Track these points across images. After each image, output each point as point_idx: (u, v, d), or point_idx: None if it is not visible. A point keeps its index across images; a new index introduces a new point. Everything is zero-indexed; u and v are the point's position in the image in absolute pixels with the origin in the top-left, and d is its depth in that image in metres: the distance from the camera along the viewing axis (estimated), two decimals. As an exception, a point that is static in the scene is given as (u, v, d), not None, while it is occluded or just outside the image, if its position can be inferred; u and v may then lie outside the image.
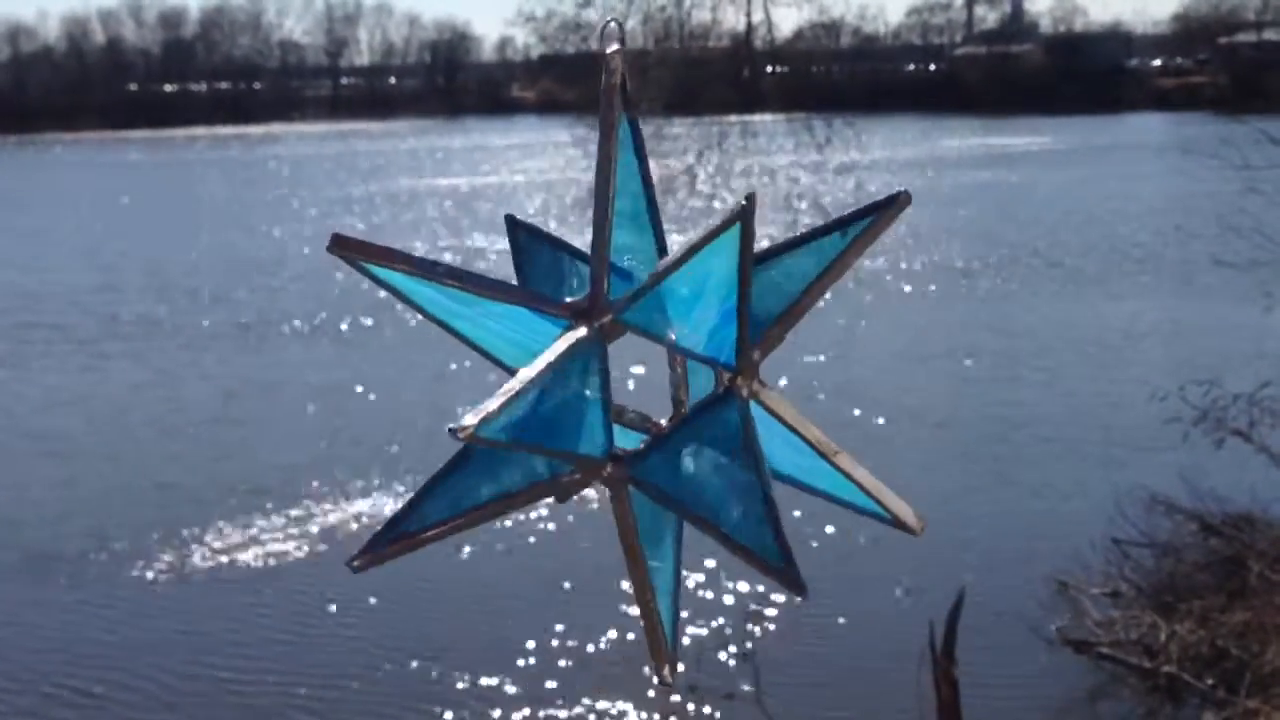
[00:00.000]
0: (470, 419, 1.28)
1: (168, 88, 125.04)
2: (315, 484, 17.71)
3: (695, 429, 1.45)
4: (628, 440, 1.50)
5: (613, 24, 1.49)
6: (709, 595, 13.66)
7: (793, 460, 1.50)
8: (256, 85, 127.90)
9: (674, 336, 1.44)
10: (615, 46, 1.48)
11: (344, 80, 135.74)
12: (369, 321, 28.58)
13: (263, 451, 19.59)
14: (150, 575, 15.05)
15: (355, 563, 1.42)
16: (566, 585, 14.35)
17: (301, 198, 56.26)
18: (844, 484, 1.54)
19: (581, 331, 1.42)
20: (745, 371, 1.42)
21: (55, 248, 42.63)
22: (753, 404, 1.44)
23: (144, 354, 26.55)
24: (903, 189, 1.45)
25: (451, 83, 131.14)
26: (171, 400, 22.75)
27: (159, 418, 21.63)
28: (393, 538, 1.43)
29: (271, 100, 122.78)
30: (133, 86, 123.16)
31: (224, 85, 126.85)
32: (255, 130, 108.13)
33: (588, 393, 1.42)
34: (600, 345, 1.43)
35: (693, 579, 13.63)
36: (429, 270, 1.43)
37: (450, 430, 1.27)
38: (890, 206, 1.44)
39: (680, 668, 1.53)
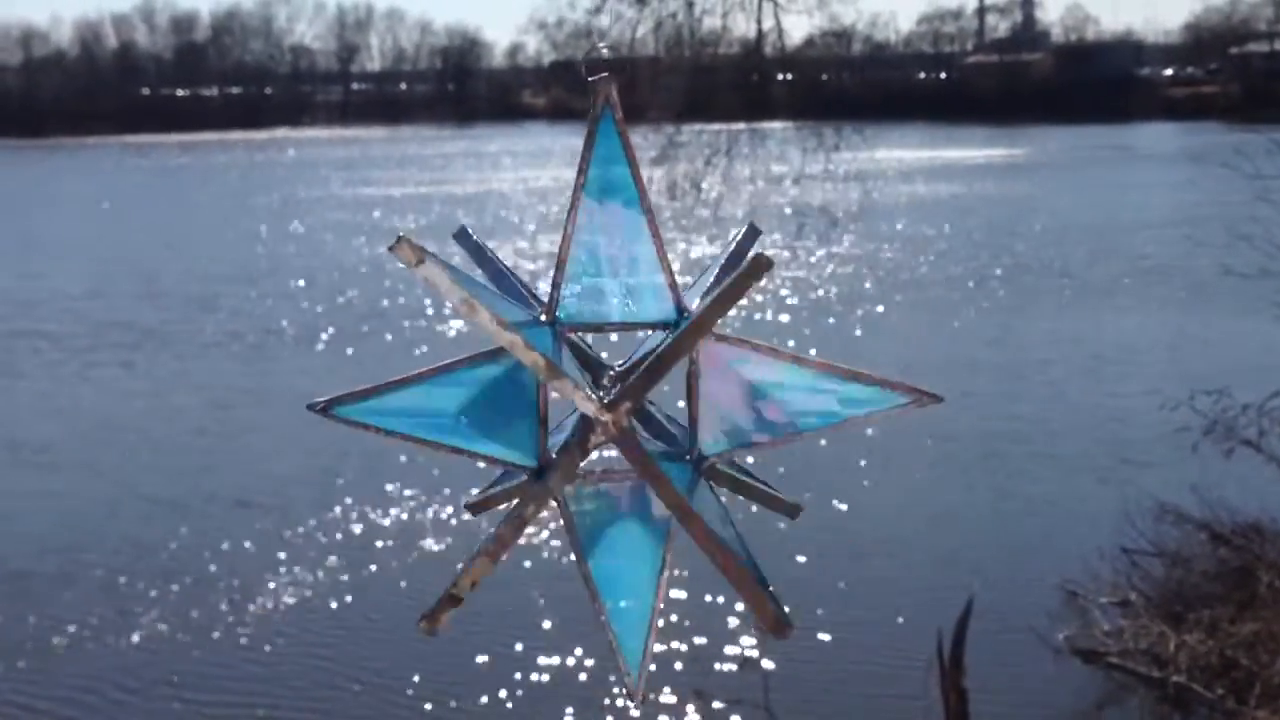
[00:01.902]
0: (325, 396, 1.38)
1: (179, 92, 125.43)
2: (304, 496, 17.55)
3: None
4: None
5: (603, 49, 1.52)
6: (716, 604, 13.64)
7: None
8: (268, 90, 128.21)
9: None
10: (604, 74, 1.52)
11: (355, 86, 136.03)
12: (364, 329, 28.44)
13: (252, 463, 19.40)
14: (133, 590, 14.89)
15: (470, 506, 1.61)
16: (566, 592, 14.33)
17: (307, 204, 56.27)
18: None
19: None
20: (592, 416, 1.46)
21: (55, 253, 42.45)
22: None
23: (136, 363, 26.35)
24: (761, 253, 1.48)
25: (462, 89, 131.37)
26: (160, 410, 22.53)
27: (147, 428, 21.41)
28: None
29: (282, 105, 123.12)
30: (144, 91, 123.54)
31: (235, 90, 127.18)
32: (266, 135, 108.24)
33: (512, 399, 1.50)
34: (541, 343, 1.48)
35: (699, 588, 13.61)
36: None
37: (307, 405, 1.36)
38: (749, 271, 1.46)
39: (645, 692, 1.56)
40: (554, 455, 1.51)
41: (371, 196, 58.64)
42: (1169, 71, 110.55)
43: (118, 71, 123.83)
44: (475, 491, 1.65)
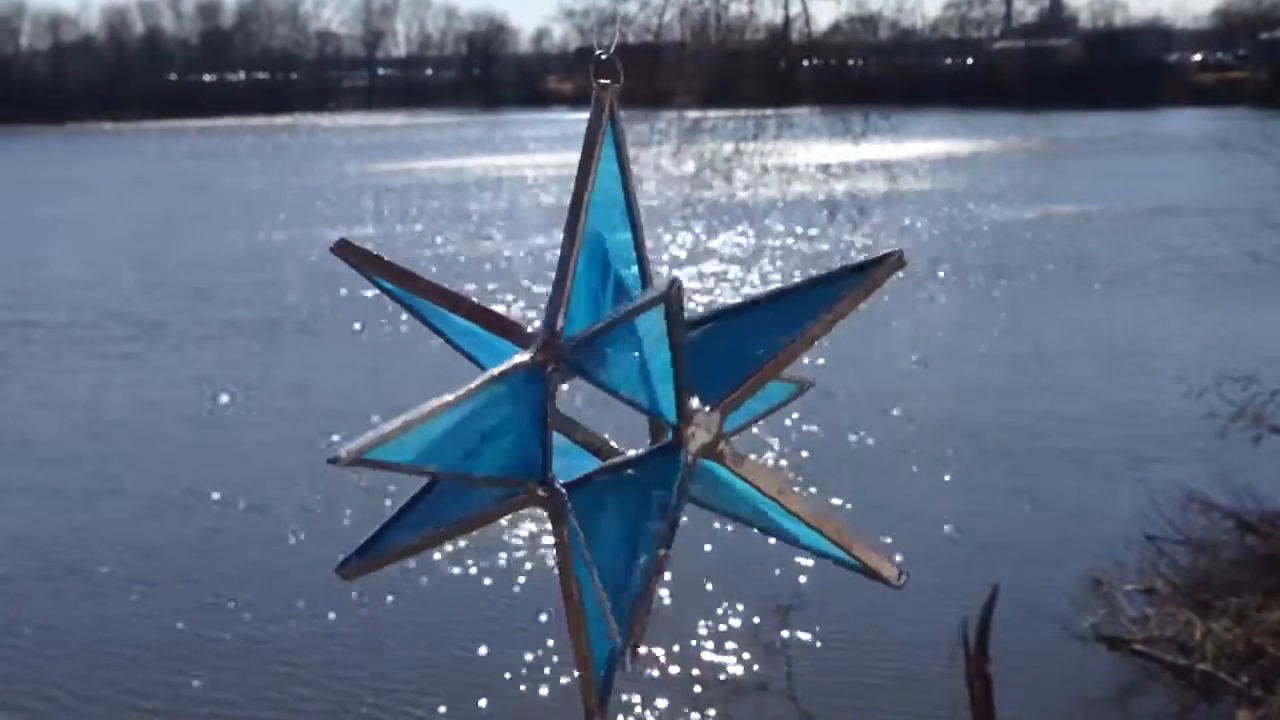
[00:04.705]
0: (348, 447, 1.35)
1: (206, 78, 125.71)
2: (304, 490, 17.33)
3: (631, 474, 1.49)
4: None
5: (604, 55, 1.52)
6: (741, 591, 13.65)
7: (778, 518, 1.52)
8: (293, 76, 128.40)
9: (617, 385, 1.47)
10: (606, 81, 1.51)
11: (380, 71, 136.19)
12: (370, 320, 28.01)
13: (250, 457, 19.11)
14: (126, 585, 14.80)
15: (343, 571, 1.51)
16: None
17: (322, 191, 56.03)
18: (824, 542, 1.55)
19: (519, 360, 1.47)
20: (685, 428, 1.44)
21: (64, 241, 41.94)
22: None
23: (135, 354, 26.03)
24: (896, 248, 1.44)
25: (488, 75, 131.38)
26: (158, 403, 22.20)
27: (143, 421, 21.16)
28: (377, 552, 1.52)
29: (308, 91, 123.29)
30: (171, 77, 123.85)
31: (261, 75, 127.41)
32: (291, 121, 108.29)
33: (522, 420, 1.47)
34: (541, 375, 1.47)
35: (723, 575, 13.63)
36: (409, 281, 1.53)
37: (328, 460, 1.35)
38: (880, 266, 1.43)
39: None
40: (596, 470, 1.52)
41: (389, 183, 58.56)
42: (1198, 57, 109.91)
43: (145, 57, 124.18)
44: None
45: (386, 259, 1.52)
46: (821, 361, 20.72)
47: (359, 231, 42.26)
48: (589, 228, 1.53)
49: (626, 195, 1.55)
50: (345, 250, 1.51)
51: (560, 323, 1.50)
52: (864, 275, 1.43)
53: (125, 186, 59.12)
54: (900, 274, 1.44)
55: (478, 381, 1.45)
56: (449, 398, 1.42)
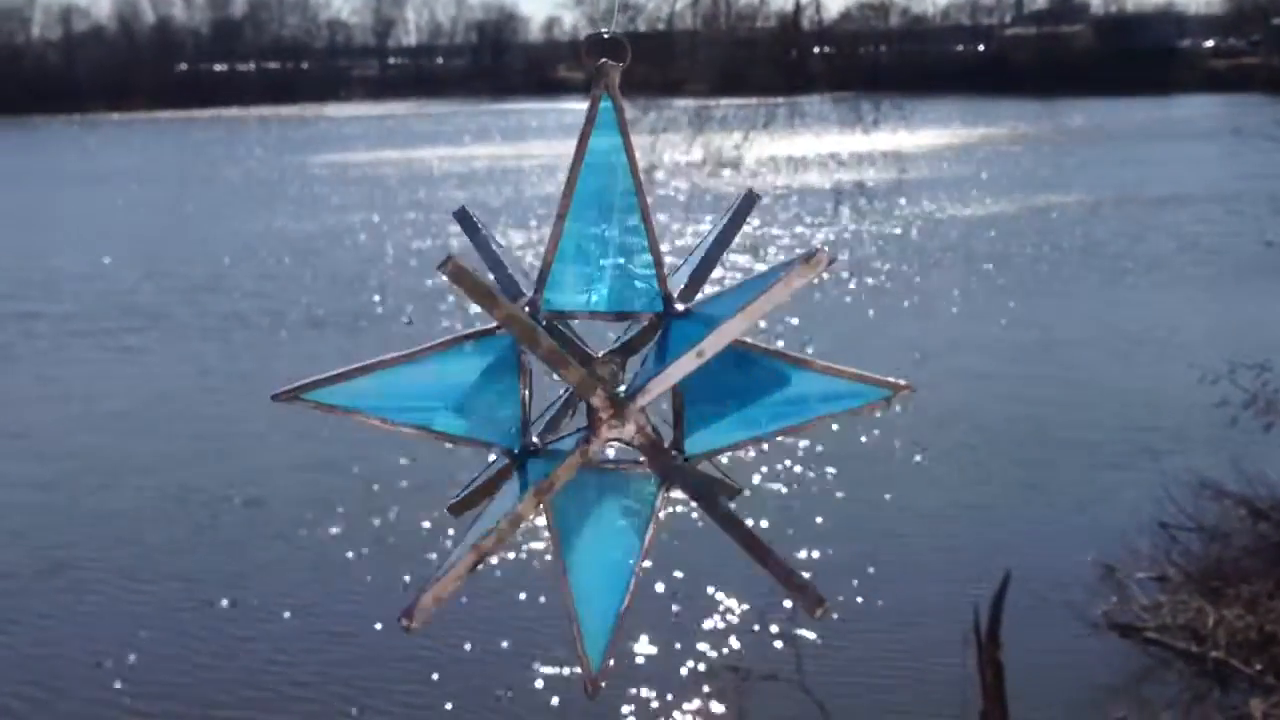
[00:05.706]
0: (288, 386, 1.41)
1: (216, 67, 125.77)
2: (305, 486, 17.23)
3: (555, 449, 1.54)
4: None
5: (607, 33, 1.53)
6: (748, 579, 13.62)
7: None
8: (304, 65, 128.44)
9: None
10: (604, 60, 1.52)
11: (391, 60, 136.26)
12: (374, 312, 28.07)
13: (251, 452, 18.95)
14: (123, 584, 14.69)
15: (451, 508, 1.64)
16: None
17: (328, 180, 55.94)
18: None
19: (489, 325, 1.51)
20: (596, 412, 1.46)
21: (67, 232, 41.73)
22: None
23: (137, 346, 25.84)
24: (822, 246, 1.45)
25: (498, 63, 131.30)
26: (162, 394, 22.11)
27: (143, 415, 21.04)
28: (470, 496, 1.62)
29: (319, 80, 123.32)
30: (182, 66, 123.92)
31: (272, 65, 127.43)
32: (302, 111, 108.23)
33: (487, 385, 1.53)
34: (512, 343, 1.52)
35: (730, 563, 13.60)
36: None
37: (272, 396, 1.40)
38: (798, 266, 1.43)
39: (604, 684, 1.55)
40: (546, 444, 1.54)
41: (398, 173, 58.48)
42: (1210, 43, 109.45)
43: (155, 47, 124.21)
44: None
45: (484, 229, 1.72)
46: (830, 350, 20.71)
47: (363, 220, 42.31)
48: (590, 208, 1.54)
49: (632, 176, 1.55)
50: (462, 216, 1.71)
51: (539, 296, 1.55)
52: (786, 272, 1.43)
53: (133, 177, 59.01)
54: (825, 271, 1.45)
55: (440, 340, 1.51)
56: (402, 353, 1.50)
